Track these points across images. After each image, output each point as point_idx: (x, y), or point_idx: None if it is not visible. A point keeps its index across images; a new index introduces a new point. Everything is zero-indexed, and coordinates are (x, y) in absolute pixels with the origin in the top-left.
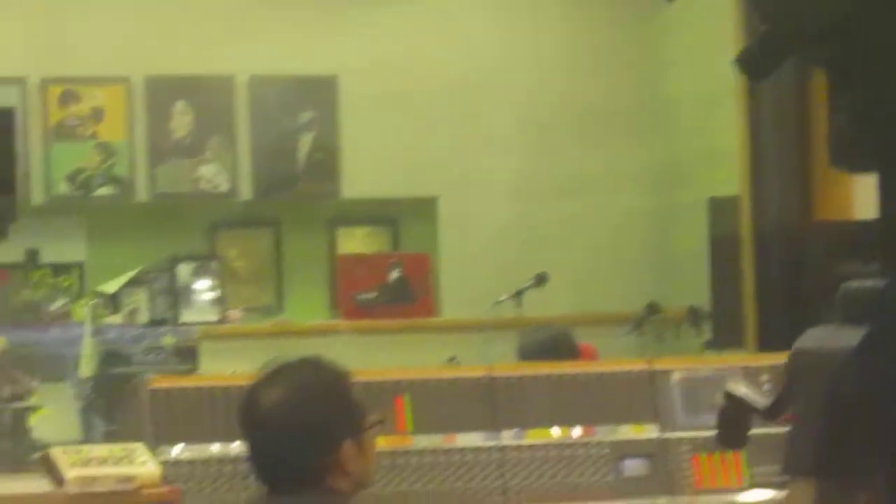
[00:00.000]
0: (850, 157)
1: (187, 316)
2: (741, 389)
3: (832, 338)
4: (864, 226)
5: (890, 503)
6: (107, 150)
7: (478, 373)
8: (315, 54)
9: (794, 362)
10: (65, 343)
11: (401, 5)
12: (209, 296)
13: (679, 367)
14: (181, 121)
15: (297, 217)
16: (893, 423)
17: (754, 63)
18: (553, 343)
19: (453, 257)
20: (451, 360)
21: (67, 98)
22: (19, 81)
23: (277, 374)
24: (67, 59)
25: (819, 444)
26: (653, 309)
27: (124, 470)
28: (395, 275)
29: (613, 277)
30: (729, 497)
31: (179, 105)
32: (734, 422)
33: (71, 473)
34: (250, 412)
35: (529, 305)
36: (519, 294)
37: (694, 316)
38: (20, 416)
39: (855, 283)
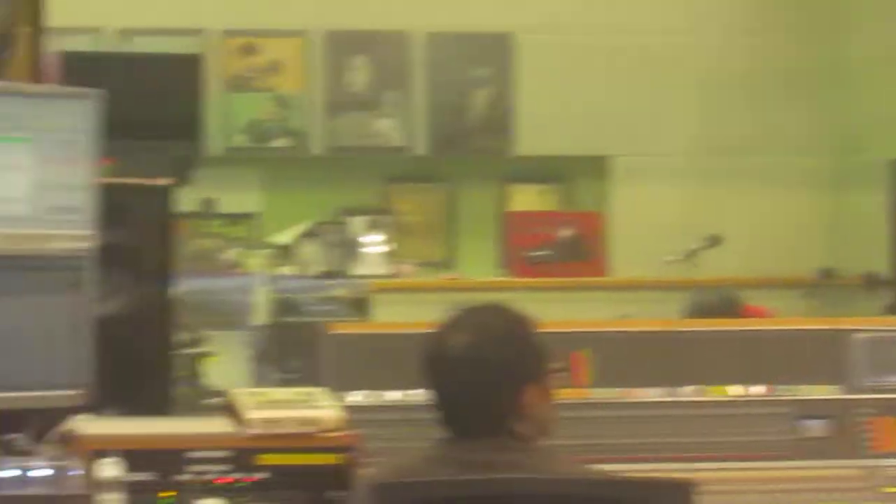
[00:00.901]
0: None
1: (359, 269)
2: None
3: None
4: None
5: None
6: (283, 103)
7: (656, 326)
8: (492, 10)
9: None
10: (238, 292)
11: None
12: (381, 249)
13: (864, 327)
14: (358, 75)
15: (471, 173)
16: None
17: None
18: (721, 304)
19: (625, 216)
20: (623, 317)
21: (246, 50)
22: (200, 32)
23: (463, 318)
24: (247, 12)
25: None
26: (827, 273)
27: (307, 413)
28: (566, 232)
29: (788, 240)
30: None
31: (357, 59)
32: None
33: (254, 414)
34: (436, 354)
35: (701, 266)
36: (691, 254)
37: (871, 281)
38: (194, 363)
39: None
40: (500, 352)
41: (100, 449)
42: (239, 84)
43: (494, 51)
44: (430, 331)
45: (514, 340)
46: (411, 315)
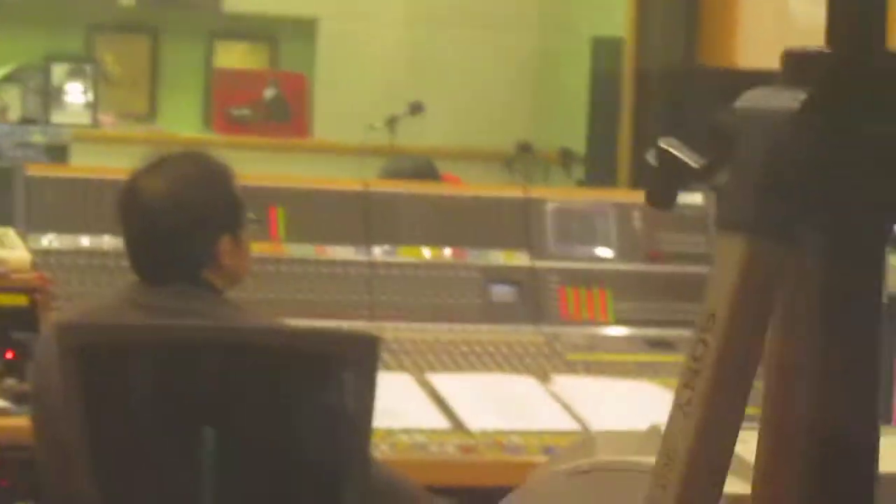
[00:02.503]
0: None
1: (59, 117)
2: (674, 147)
3: (774, 98)
4: (747, 75)
5: (821, 265)
6: None
7: (353, 186)
8: None
9: (735, 122)
10: None
11: None
12: (82, 98)
13: (554, 198)
14: None
15: (177, 27)
16: (830, 188)
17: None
18: (417, 171)
19: (331, 80)
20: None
21: None
22: None
23: (160, 164)
24: None
25: (756, 199)
26: (525, 148)
27: None
28: (271, 93)
29: (490, 114)
30: (593, 330)
31: None
32: (665, 180)
33: None
34: (131, 199)
35: (403, 134)
36: (393, 121)
37: (566, 157)
38: None
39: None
40: (197, 198)
41: None
42: None
43: None
44: (127, 176)
45: (211, 188)
46: (112, 165)
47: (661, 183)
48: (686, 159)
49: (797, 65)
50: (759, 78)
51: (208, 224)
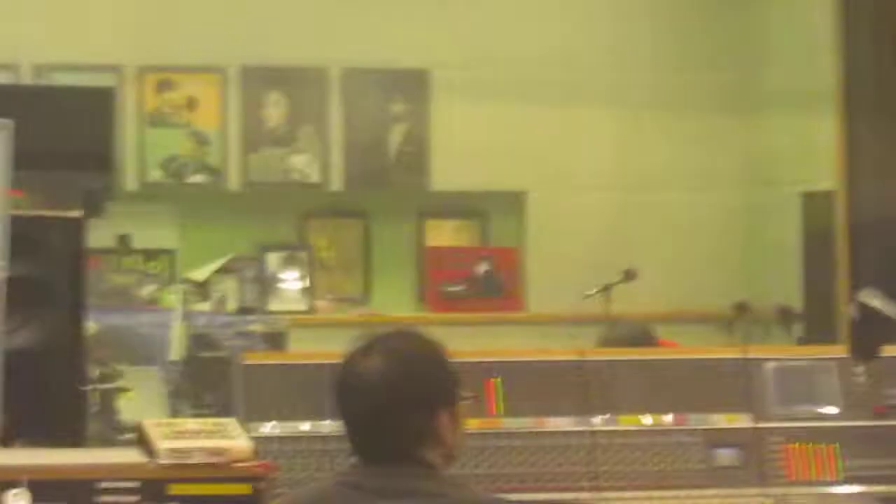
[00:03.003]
0: None
1: (275, 305)
2: (875, 300)
3: None
4: None
5: None
6: (200, 138)
7: (569, 356)
8: (408, 46)
9: None
10: (154, 328)
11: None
12: (297, 285)
13: (773, 357)
14: (274, 111)
15: (387, 208)
16: None
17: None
18: (635, 338)
19: (542, 251)
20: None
21: (163, 86)
22: (116, 68)
23: (374, 344)
24: (164, 48)
25: None
26: (742, 308)
27: (216, 443)
28: (483, 268)
29: (703, 274)
30: (821, 489)
31: (273, 95)
32: (867, 333)
33: (163, 445)
34: (347, 380)
35: (617, 301)
36: (607, 289)
37: (785, 315)
38: (108, 398)
39: None
40: (412, 376)
41: (7, 479)
42: (155, 120)
43: (410, 86)
44: (342, 358)
45: (426, 365)
46: (327, 350)
47: (863, 336)
48: (889, 311)
49: None
50: None
51: (425, 401)
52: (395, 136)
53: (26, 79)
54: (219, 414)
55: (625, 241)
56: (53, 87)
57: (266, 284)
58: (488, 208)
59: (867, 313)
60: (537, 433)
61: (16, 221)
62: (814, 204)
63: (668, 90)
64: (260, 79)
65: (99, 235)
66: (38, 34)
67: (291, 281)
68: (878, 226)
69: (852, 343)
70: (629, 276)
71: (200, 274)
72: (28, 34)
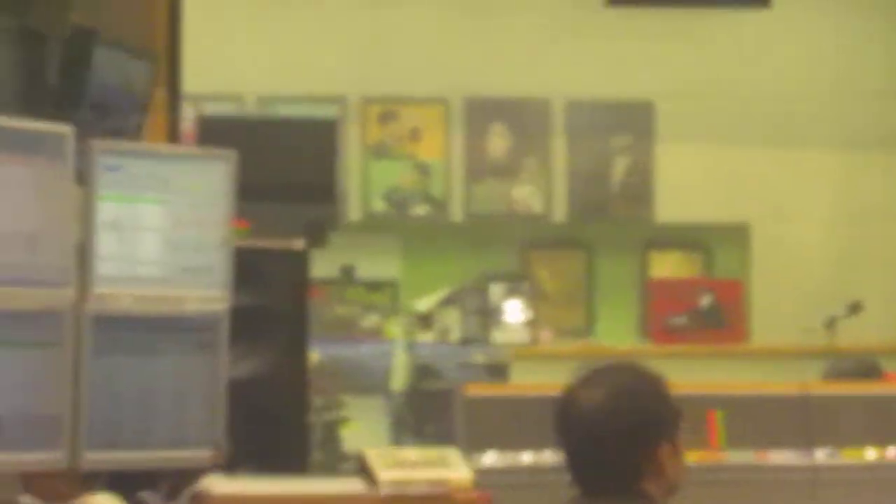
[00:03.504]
0: None
1: (498, 335)
2: None
3: None
4: None
5: None
6: (423, 169)
7: (792, 390)
8: (631, 78)
9: None
10: (376, 358)
11: (713, 30)
12: (520, 317)
13: None
14: (497, 142)
15: (609, 240)
16: None
17: None
18: (860, 372)
19: (766, 283)
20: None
21: (386, 117)
22: (340, 100)
23: (595, 376)
24: (387, 79)
25: None
26: None
27: (437, 474)
28: (706, 300)
29: None
30: None
31: (496, 126)
32: None
33: (385, 475)
34: (569, 412)
35: (842, 333)
36: (831, 322)
37: None
38: (331, 428)
39: None
40: (633, 407)
41: None
42: (379, 151)
43: (634, 118)
44: (562, 391)
45: (646, 397)
46: (550, 381)
47: None
48: None
49: None
50: None
51: (646, 433)
52: (619, 167)
53: (251, 109)
54: (440, 444)
55: (849, 273)
56: (278, 118)
57: (488, 316)
58: (711, 240)
59: None
60: (758, 467)
61: (240, 252)
62: None
63: (891, 119)
64: (483, 110)
65: (322, 266)
66: (262, 65)
67: (514, 312)
68: None
69: None
70: (854, 309)
71: (423, 305)
72: (253, 65)
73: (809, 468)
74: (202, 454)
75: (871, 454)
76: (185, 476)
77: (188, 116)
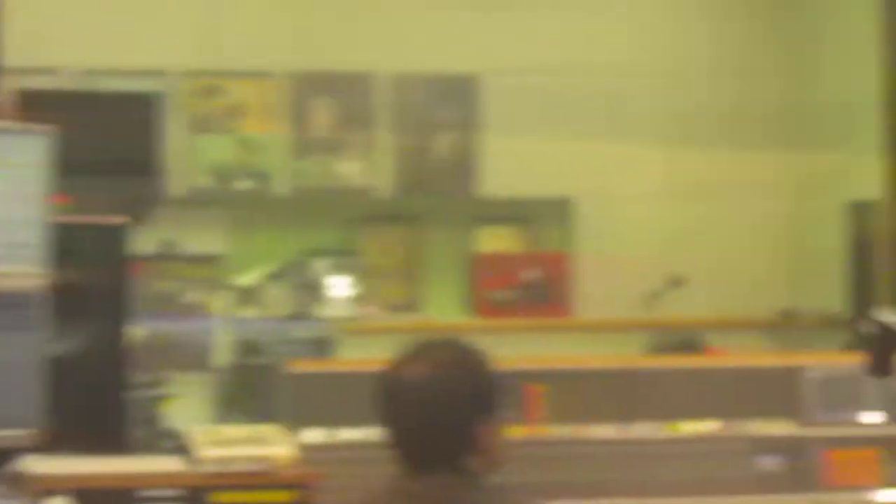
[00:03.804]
0: None
1: (324, 311)
2: (891, 317)
3: None
4: None
5: None
6: (248, 144)
7: (615, 364)
8: (458, 53)
9: None
10: (200, 334)
11: (542, 6)
12: (346, 291)
13: (817, 364)
14: (323, 117)
15: (436, 215)
16: None
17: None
18: (682, 346)
19: (590, 259)
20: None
21: (211, 91)
22: (162, 73)
23: (419, 352)
24: (211, 53)
25: None
26: (788, 314)
27: (259, 451)
28: (531, 274)
29: (749, 282)
30: (864, 495)
31: (322, 101)
32: (883, 350)
33: (206, 453)
34: (392, 388)
35: (665, 307)
36: (655, 296)
37: (829, 321)
38: (154, 405)
39: None
40: (456, 385)
41: (50, 488)
42: (203, 125)
43: (460, 93)
44: (387, 365)
45: (469, 374)
46: (376, 357)
47: (878, 352)
48: None
49: None
50: None
51: (467, 410)
52: (444, 142)
53: (72, 84)
54: (265, 421)
55: (673, 249)
56: (99, 92)
57: (314, 291)
58: (537, 216)
59: (882, 329)
60: (581, 441)
61: (60, 228)
62: (861, 213)
63: (721, 100)
64: (308, 84)
65: (146, 241)
66: (85, 38)
67: (340, 287)
68: None
69: (867, 359)
70: (676, 282)
71: (248, 279)
72: (75, 38)
73: (631, 442)
74: (21, 433)
75: (691, 427)
76: (2, 455)
77: (7, 90)
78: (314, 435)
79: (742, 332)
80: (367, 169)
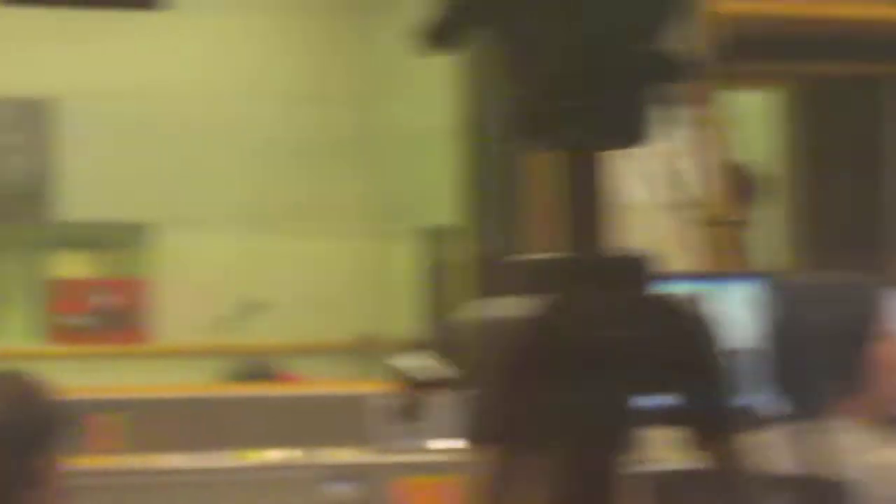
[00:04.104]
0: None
1: None
2: (409, 362)
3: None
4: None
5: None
6: None
7: (194, 392)
8: (25, 76)
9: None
10: None
11: (120, 31)
12: None
13: (384, 391)
14: None
15: (7, 241)
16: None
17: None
18: (256, 373)
19: (169, 283)
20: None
21: None
22: None
23: None
24: None
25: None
26: (366, 340)
27: None
28: (107, 300)
29: (330, 306)
30: None
31: None
32: (410, 394)
33: None
34: None
35: (247, 333)
36: (233, 320)
37: (406, 346)
38: None
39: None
40: (9, 418)
41: None
42: None
43: (28, 117)
44: None
45: (23, 406)
46: None
47: (406, 395)
48: (435, 374)
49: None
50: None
51: (21, 442)
52: (12, 166)
53: None
54: None
55: (253, 274)
56: None
57: None
58: (114, 241)
59: (408, 383)
60: (153, 471)
61: None
62: (435, 238)
63: (300, 126)
64: None
65: None
66: None
67: None
68: (483, 266)
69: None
70: (253, 308)
71: None
72: None
73: (202, 471)
74: None
75: (263, 456)
76: None
77: None
78: None
79: (323, 357)
80: None
